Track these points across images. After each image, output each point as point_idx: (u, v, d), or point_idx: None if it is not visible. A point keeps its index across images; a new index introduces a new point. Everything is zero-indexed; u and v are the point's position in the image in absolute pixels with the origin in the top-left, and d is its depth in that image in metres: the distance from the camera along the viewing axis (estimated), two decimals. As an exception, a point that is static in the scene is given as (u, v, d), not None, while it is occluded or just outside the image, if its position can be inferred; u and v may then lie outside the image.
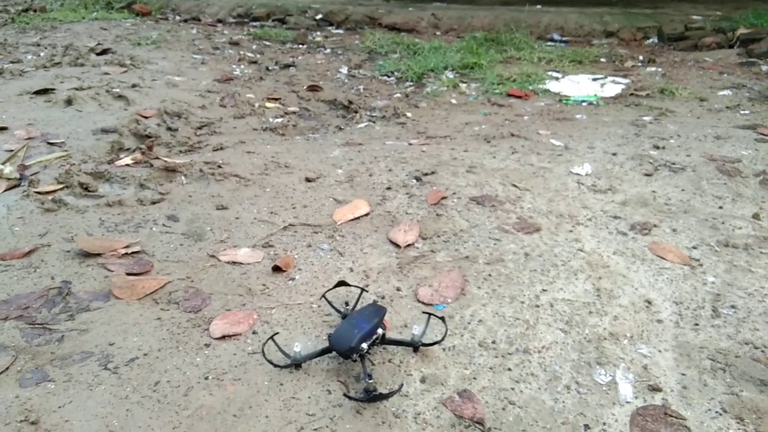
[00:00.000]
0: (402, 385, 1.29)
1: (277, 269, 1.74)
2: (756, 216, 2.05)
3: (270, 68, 4.50)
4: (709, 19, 5.51)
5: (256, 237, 1.93)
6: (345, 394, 1.27)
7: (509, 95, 3.76)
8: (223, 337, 1.45)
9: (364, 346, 1.29)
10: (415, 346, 1.39)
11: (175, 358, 1.39)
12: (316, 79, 4.23)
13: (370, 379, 1.25)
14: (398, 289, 1.66)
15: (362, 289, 1.59)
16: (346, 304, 1.54)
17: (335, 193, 2.24)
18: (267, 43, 5.41)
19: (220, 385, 1.30)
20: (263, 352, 1.37)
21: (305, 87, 3.97)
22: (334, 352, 1.34)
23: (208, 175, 2.36)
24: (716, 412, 1.24)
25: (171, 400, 1.26)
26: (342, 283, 1.59)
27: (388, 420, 1.22)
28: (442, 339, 1.42)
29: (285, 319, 1.53)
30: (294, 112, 3.46)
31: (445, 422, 1.21)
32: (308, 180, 2.35)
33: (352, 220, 2.04)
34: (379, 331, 1.35)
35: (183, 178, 2.36)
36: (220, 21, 6.47)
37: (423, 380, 1.33)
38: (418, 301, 1.62)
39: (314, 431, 1.19)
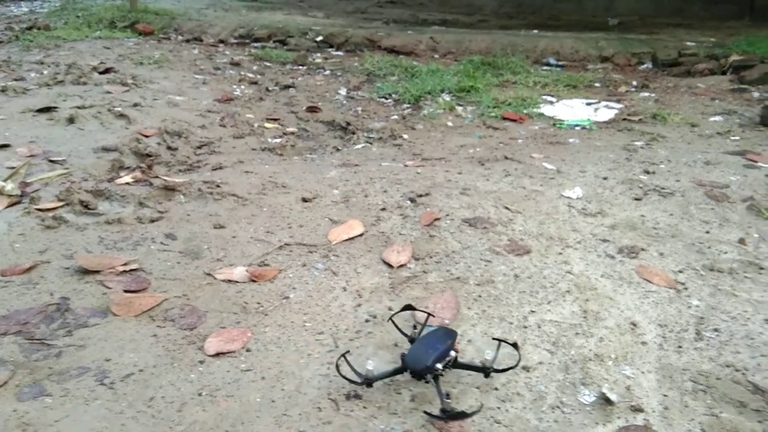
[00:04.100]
0: (482, 405, 1.31)
1: (255, 280, 1.78)
2: (742, 241, 2.09)
3: (270, 89, 4.57)
4: (703, 46, 5.61)
5: (252, 256, 1.97)
6: (426, 412, 1.29)
7: (504, 118, 3.83)
8: (218, 355, 1.49)
9: (439, 366, 1.31)
10: (486, 371, 1.39)
11: (170, 374, 1.42)
12: (315, 100, 4.30)
13: (448, 398, 1.27)
14: (390, 309, 1.69)
15: (429, 314, 1.58)
16: (414, 327, 1.53)
17: (331, 214, 2.29)
18: (267, 64, 5.50)
19: (213, 401, 1.34)
20: (337, 368, 1.36)
21: (304, 108, 4.04)
22: (407, 373, 1.36)
23: (207, 194, 2.41)
24: (696, 433, 1.28)
25: (165, 415, 1.29)
26: (409, 307, 1.58)
27: (377, 437, 1.25)
28: (516, 365, 1.42)
29: (278, 338, 1.56)
30: (293, 133, 3.52)
31: (432, 440, 1.25)
32: (305, 200, 2.40)
33: (346, 240, 2.09)
34: (452, 353, 1.36)
35: (182, 196, 2.40)
36: (221, 42, 6.57)
37: (412, 399, 1.36)
38: (416, 322, 1.65)
39: (304, 447, 1.22)
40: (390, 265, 1.93)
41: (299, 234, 2.13)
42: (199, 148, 3.19)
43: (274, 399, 1.34)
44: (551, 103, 4.15)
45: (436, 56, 5.91)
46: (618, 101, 4.16)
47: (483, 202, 2.42)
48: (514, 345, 1.45)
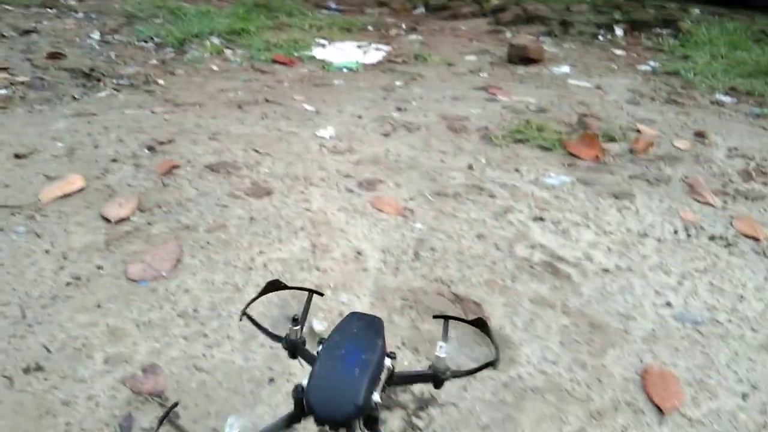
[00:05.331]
0: None
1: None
2: (470, 167, 2.25)
3: (5, 35, 3.90)
4: (470, -8, 5.97)
5: (-70, 225, 1.64)
6: None
7: (274, 62, 3.70)
8: None
9: (377, 398, 0.61)
10: (438, 379, 0.68)
11: None
12: (60, 45, 3.75)
13: None
14: (99, 268, 1.53)
15: (312, 291, 0.79)
16: (294, 320, 0.71)
17: (48, 169, 2.00)
18: (8, 7, 4.68)
19: None
20: None
21: (45, 54, 3.50)
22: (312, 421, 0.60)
23: None
24: (397, 347, 1.34)
25: None
26: (274, 286, 0.79)
27: (55, 409, 1.11)
28: (495, 362, 0.69)
29: (-54, 316, 1.32)
30: (23, 83, 3.03)
31: (121, 401, 1.14)
32: (18, 156, 2.07)
33: (61, 197, 1.84)
34: (387, 362, 0.67)
35: None
36: (-54, -22, 5.44)
37: (106, 361, 1.23)
38: (128, 278, 1.51)
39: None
40: (108, 220, 1.74)
41: (2, 195, 1.83)
42: None
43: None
44: (323, 45, 4.11)
45: (212, -2, 5.52)
46: (387, 44, 4.25)
47: (232, 146, 2.30)
48: (478, 323, 0.74)
